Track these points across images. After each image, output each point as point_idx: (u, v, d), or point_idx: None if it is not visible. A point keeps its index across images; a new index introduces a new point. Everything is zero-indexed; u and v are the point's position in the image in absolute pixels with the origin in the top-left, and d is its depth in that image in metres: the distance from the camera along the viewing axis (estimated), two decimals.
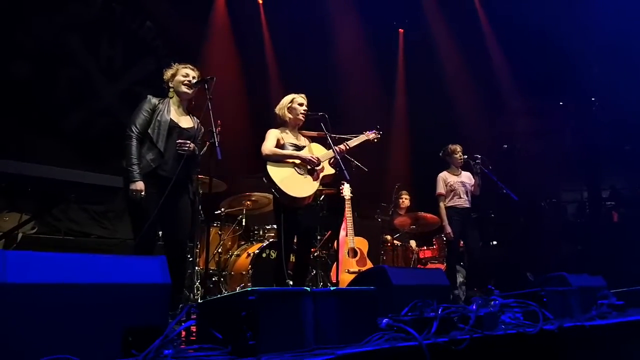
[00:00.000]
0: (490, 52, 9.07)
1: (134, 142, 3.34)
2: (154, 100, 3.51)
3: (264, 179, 3.86)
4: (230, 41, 7.93)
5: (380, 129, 4.40)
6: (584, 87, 8.63)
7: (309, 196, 3.86)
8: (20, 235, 4.40)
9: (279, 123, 4.07)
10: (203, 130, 3.61)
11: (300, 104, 4.01)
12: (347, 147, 4.09)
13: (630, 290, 4.04)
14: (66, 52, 6.32)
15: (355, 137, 4.23)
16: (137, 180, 3.26)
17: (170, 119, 3.47)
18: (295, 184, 3.81)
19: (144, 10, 7.09)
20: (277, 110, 4.08)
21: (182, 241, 3.60)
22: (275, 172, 3.81)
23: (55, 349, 1.67)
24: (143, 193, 3.26)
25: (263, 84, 8.08)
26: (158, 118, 3.43)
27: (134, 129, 3.36)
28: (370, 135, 4.32)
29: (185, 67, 3.62)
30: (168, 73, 3.63)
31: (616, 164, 8.74)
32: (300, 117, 4.00)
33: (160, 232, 3.75)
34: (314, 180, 3.92)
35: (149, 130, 3.39)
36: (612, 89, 8.25)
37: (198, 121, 3.63)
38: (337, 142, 4.05)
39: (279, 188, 3.75)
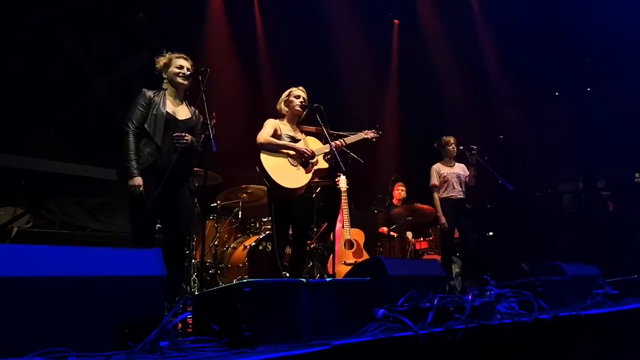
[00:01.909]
0: (484, 42, 9.05)
1: (131, 138, 3.33)
2: (149, 94, 3.48)
3: (257, 167, 3.87)
4: (226, 33, 7.88)
5: (380, 128, 4.37)
6: (579, 77, 8.63)
7: (299, 188, 3.85)
8: (15, 229, 4.38)
9: (278, 115, 4.08)
10: (202, 119, 3.56)
11: (297, 97, 4.01)
12: (344, 143, 4.09)
13: (625, 279, 4.06)
14: (58, 44, 6.26)
15: (353, 134, 4.21)
16: (135, 176, 3.27)
17: (167, 111, 3.45)
18: (287, 174, 3.81)
19: (137, 1, 7.03)
20: (277, 105, 4.11)
21: (182, 234, 3.60)
22: (268, 161, 3.81)
23: (51, 341, 1.66)
24: (142, 188, 3.26)
25: (259, 75, 8.04)
26: (154, 112, 3.41)
27: (130, 124, 3.36)
28: (369, 134, 4.30)
29: (179, 58, 3.60)
30: (160, 62, 3.60)
31: (612, 154, 8.77)
32: (297, 109, 4.00)
33: (159, 225, 3.75)
34: (306, 172, 3.92)
35: (146, 125, 3.38)
36: (607, 79, 8.26)
37: (196, 110, 3.61)
38: (335, 138, 4.05)
39: (270, 177, 3.76)
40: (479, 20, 9.06)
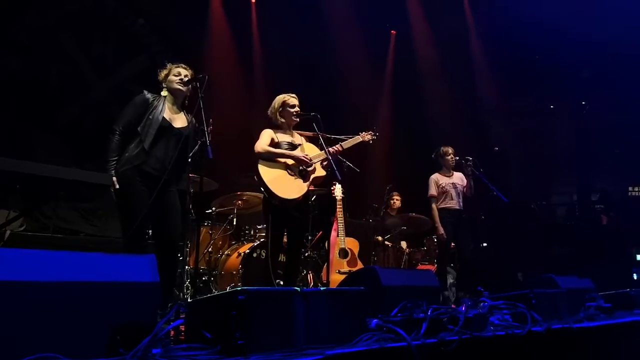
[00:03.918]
0: (479, 54, 9.11)
1: (116, 138, 3.37)
2: (148, 96, 3.49)
3: (255, 177, 3.86)
4: (225, 39, 7.91)
5: (377, 130, 4.39)
6: (574, 90, 8.71)
7: (297, 198, 3.84)
8: (8, 232, 4.35)
9: (273, 124, 4.06)
10: (198, 125, 3.55)
11: (292, 106, 4.00)
12: (342, 148, 4.08)
13: (618, 293, 4.07)
14: (58, 47, 6.27)
15: (350, 137, 4.21)
16: (110, 175, 3.28)
17: (163, 117, 3.46)
18: (285, 185, 3.80)
19: (137, 6, 7.05)
20: (269, 113, 4.06)
21: (174, 240, 3.59)
22: (266, 172, 3.80)
23: (41, 347, 1.65)
24: (113, 189, 3.26)
25: (256, 81, 8.06)
26: (150, 116, 3.41)
27: (120, 125, 3.39)
28: (366, 136, 4.30)
29: (178, 67, 3.63)
30: (162, 74, 3.64)
31: (606, 167, 8.83)
32: (294, 119, 3.99)
33: (151, 231, 3.74)
34: (304, 181, 3.91)
35: (139, 128, 3.39)
36: (602, 93, 8.34)
37: (193, 119, 3.62)
38: (332, 142, 4.04)
39: (268, 188, 3.74)
40: (473, 33, 9.12)
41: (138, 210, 3.26)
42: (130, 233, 3.27)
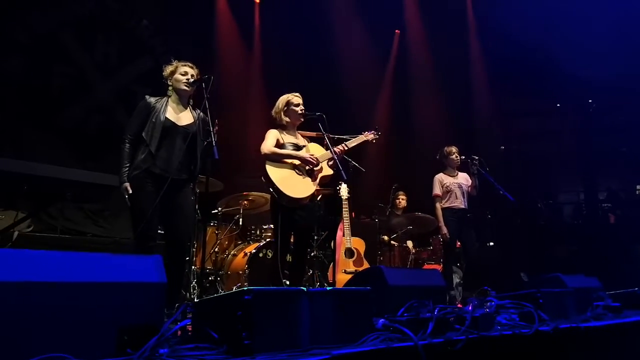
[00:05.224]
0: (485, 53, 9.07)
1: (126, 147, 3.45)
2: (151, 100, 3.52)
3: (262, 178, 3.86)
4: (231, 41, 7.92)
5: (379, 129, 4.41)
6: (581, 89, 8.67)
7: (307, 197, 3.85)
8: (16, 233, 4.38)
9: (277, 124, 4.06)
10: (209, 120, 3.47)
11: (297, 105, 4.00)
12: (346, 148, 4.08)
13: (626, 292, 4.05)
14: (60, 48, 6.30)
15: (354, 137, 4.22)
16: (123, 183, 3.37)
17: (166, 118, 3.47)
18: (294, 185, 3.80)
19: (141, 8, 7.07)
20: (273, 113, 4.06)
21: (183, 240, 3.60)
22: (274, 172, 3.80)
23: (49, 347, 1.66)
24: (127, 194, 3.34)
25: (261, 82, 8.07)
26: (153, 119, 3.45)
27: (127, 133, 3.47)
28: (369, 135, 4.32)
29: (185, 65, 3.63)
30: (167, 70, 3.65)
31: (613, 165, 8.78)
32: (300, 118, 4.00)
33: (162, 231, 3.75)
34: (312, 181, 3.91)
35: (143, 133, 3.44)
36: (609, 92, 8.29)
37: (200, 113, 3.61)
38: (336, 142, 4.04)
39: (277, 188, 3.74)
40: (474, 33, 9.08)
41: (148, 211, 3.29)
42: (138, 232, 3.29)
